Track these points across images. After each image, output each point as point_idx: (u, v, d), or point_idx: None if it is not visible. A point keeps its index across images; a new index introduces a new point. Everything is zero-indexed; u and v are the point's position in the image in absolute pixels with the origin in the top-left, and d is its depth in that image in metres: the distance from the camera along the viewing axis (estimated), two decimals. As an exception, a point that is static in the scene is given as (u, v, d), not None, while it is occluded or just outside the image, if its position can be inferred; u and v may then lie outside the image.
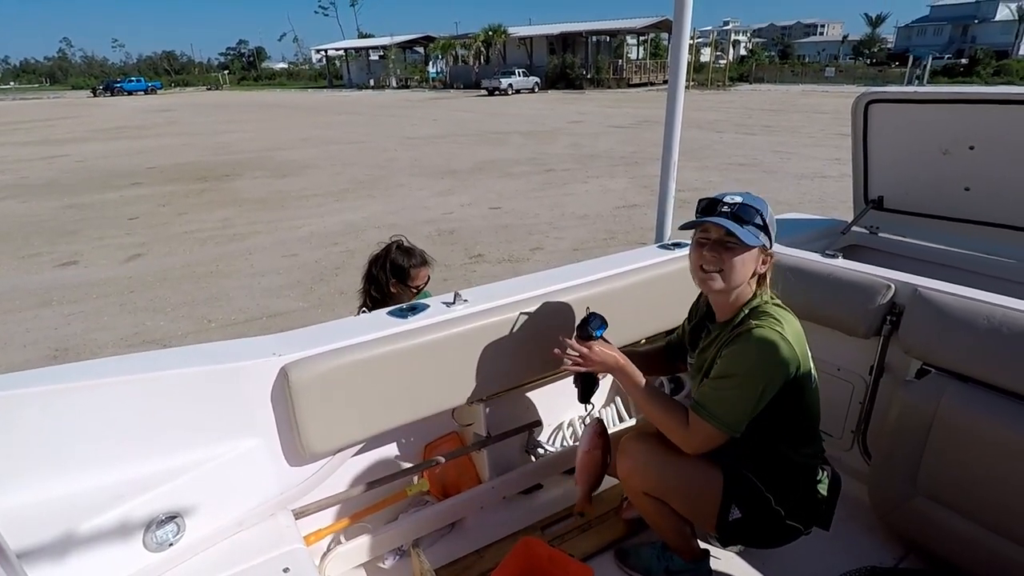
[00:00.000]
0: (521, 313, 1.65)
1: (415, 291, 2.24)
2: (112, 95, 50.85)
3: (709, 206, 1.33)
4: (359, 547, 1.68)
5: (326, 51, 58.53)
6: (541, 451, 2.13)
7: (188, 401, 1.28)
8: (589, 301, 1.66)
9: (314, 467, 1.50)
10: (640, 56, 43.80)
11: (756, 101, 26.17)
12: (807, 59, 62.62)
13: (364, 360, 1.42)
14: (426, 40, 49.38)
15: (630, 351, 1.59)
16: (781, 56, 66.69)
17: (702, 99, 27.32)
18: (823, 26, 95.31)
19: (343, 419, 1.44)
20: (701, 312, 1.57)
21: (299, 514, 1.52)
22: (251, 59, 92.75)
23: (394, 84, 48.25)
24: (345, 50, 55.82)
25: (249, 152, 14.27)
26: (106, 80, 60.80)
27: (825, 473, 1.45)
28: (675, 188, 2.23)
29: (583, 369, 1.47)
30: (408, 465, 1.84)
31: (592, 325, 1.46)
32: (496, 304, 1.65)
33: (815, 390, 1.39)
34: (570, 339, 1.47)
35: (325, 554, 1.67)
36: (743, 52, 65.25)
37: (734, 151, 12.35)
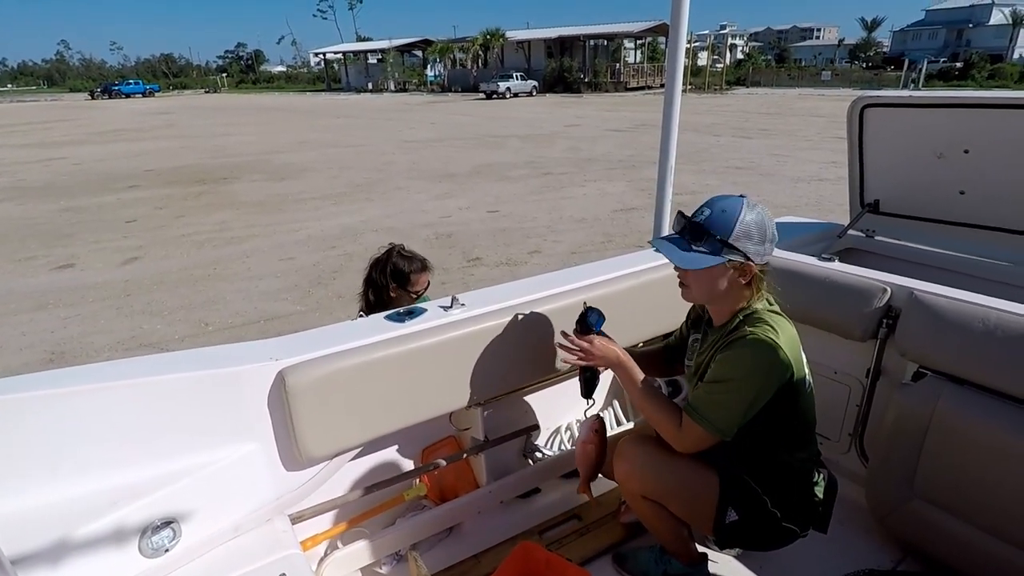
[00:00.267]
0: (518, 317, 1.65)
1: (415, 296, 2.25)
2: (110, 98, 50.78)
3: (678, 220, 1.36)
4: (356, 552, 1.67)
5: (324, 54, 58.66)
6: (539, 455, 2.13)
7: (184, 405, 1.28)
8: None
9: (311, 472, 1.50)
10: (637, 60, 43.94)
11: (753, 105, 26.28)
12: (803, 63, 62.89)
13: (361, 364, 1.42)
14: (424, 43, 49.47)
15: (629, 351, 1.60)
16: (778, 60, 67.10)
17: (699, 103, 27.42)
18: (819, 30, 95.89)
19: (340, 423, 1.43)
20: (699, 315, 1.57)
21: (296, 519, 1.52)
22: (249, 62, 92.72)
23: (392, 87, 48.33)
24: (343, 53, 55.92)
25: (247, 155, 14.26)
26: (104, 83, 60.64)
27: (821, 476, 1.46)
28: (672, 192, 2.23)
29: (585, 363, 1.49)
30: (405, 469, 1.84)
31: (591, 319, 1.48)
32: (493, 308, 1.65)
33: (810, 395, 1.40)
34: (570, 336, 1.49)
35: (322, 559, 1.66)
36: (740, 56, 65.56)
37: (731, 154, 12.39)
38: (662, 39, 40.48)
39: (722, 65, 46.87)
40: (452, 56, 46.47)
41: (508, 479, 1.93)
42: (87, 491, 1.17)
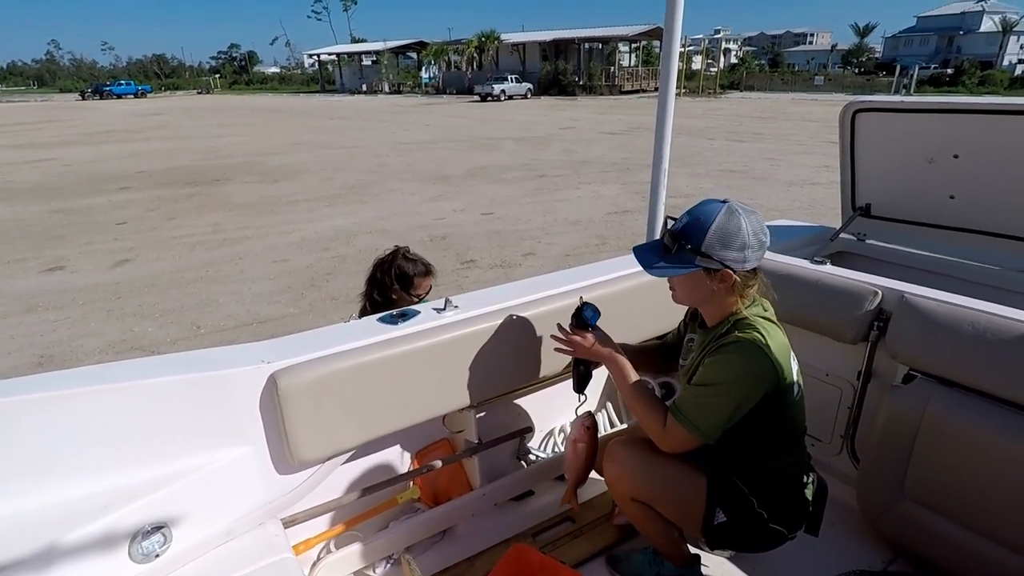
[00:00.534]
0: (512, 319, 1.65)
1: (416, 300, 2.24)
2: (101, 98, 50.42)
3: (663, 226, 1.37)
4: (349, 556, 1.66)
5: (319, 55, 58.46)
6: (532, 457, 2.13)
7: (175, 409, 1.27)
8: None
9: (304, 475, 1.49)
10: (632, 63, 44.18)
11: (746, 109, 26.45)
12: (797, 68, 63.33)
13: (354, 367, 1.42)
14: (419, 45, 49.46)
15: (625, 346, 1.60)
16: (771, 64, 67.53)
17: (693, 106, 27.57)
18: (812, 35, 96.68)
19: (333, 426, 1.43)
20: (694, 316, 1.58)
21: (288, 523, 1.51)
22: (243, 63, 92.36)
23: (387, 89, 48.27)
24: (338, 55, 55.81)
25: (240, 156, 14.20)
26: (95, 83, 60.22)
27: (811, 479, 1.47)
28: (666, 194, 2.24)
29: (578, 355, 1.51)
30: (399, 472, 1.83)
31: (586, 313, 1.49)
32: (487, 310, 1.65)
33: (799, 402, 1.40)
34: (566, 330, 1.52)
35: (315, 563, 1.65)
36: (734, 60, 66.09)
37: (725, 158, 12.46)
38: (656, 43, 40.77)
39: (716, 69, 47.30)
40: (447, 58, 46.47)
41: (501, 481, 1.93)
42: (76, 496, 1.16)
